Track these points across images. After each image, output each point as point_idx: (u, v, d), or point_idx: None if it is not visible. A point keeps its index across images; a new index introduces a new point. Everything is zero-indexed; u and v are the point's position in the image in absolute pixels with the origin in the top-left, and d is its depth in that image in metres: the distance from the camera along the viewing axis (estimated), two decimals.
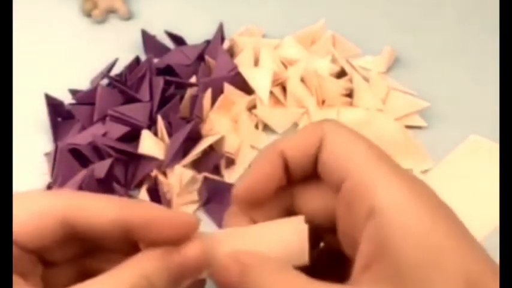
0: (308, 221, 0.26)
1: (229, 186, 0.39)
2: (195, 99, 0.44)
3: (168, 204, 0.40)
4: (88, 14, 0.56)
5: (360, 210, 0.23)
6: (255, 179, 0.27)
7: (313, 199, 0.27)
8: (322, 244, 0.28)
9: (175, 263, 0.24)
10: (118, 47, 0.53)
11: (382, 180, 0.23)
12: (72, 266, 0.26)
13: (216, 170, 0.42)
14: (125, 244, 0.25)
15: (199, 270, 0.25)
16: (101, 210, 0.25)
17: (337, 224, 0.25)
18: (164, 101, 0.44)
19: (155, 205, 0.26)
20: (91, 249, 0.26)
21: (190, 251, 0.25)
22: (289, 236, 0.25)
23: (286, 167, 0.27)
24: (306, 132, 0.27)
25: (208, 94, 0.45)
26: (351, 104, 0.47)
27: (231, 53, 0.50)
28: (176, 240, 0.24)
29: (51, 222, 0.25)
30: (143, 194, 0.40)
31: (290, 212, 0.27)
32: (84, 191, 0.28)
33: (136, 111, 0.43)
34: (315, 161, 0.26)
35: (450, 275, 0.21)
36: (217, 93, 0.46)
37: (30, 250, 0.25)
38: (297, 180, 0.27)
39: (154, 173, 0.41)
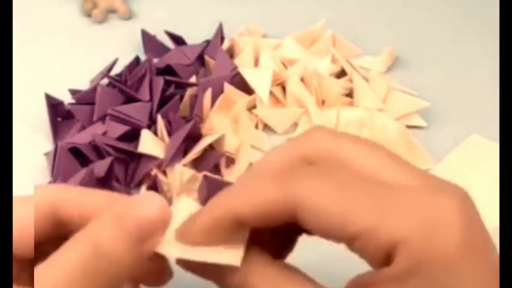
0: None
1: (229, 185, 0.39)
2: (195, 99, 0.44)
3: (168, 203, 0.39)
4: (88, 14, 0.56)
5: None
6: (194, 231, 0.25)
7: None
8: None
9: (132, 226, 0.23)
10: (118, 47, 0.53)
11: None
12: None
13: (216, 169, 0.42)
14: None
15: (160, 231, 0.24)
16: (86, 203, 0.25)
17: None
18: (164, 100, 0.44)
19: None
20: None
21: (146, 209, 0.24)
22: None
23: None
24: (265, 196, 0.23)
25: (208, 94, 0.45)
26: (351, 104, 0.47)
27: (231, 53, 0.50)
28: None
29: (42, 220, 0.25)
30: (143, 193, 0.40)
31: None
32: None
33: (136, 111, 0.43)
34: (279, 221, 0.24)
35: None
36: (217, 93, 0.46)
37: (26, 260, 0.25)
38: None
39: (154, 172, 0.41)
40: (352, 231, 0.22)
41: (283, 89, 0.47)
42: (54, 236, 0.25)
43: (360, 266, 0.24)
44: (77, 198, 0.25)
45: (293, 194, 0.23)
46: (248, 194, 0.24)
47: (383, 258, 0.22)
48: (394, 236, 0.21)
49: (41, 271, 0.23)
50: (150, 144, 0.42)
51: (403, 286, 0.21)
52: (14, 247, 0.24)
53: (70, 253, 0.23)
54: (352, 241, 0.22)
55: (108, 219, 0.24)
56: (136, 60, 0.49)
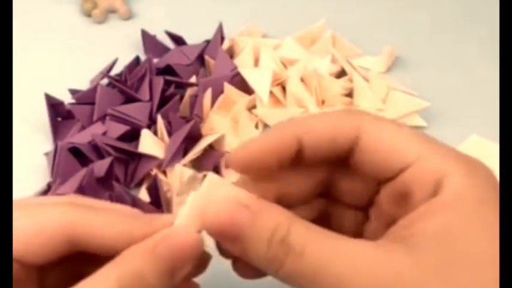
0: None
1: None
2: (195, 99, 0.44)
3: (168, 203, 0.40)
4: (88, 14, 0.56)
5: (423, 193, 0.24)
6: (258, 147, 0.25)
7: (352, 183, 0.27)
8: None
9: (165, 253, 0.24)
10: (118, 47, 0.53)
11: (451, 170, 0.24)
12: (65, 267, 0.26)
13: (216, 169, 0.42)
14: None
15: (191, 257, 0.24)
16: (104, 227, 0.25)
17: (379, 207, 0.26)
18: (164, 100, 0.44)
19: (158, 216, 0.26)
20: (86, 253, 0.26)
21: (178, 238, 0.24)
22: None
23: (298, 151, 0.26)
24: (333, 121, 0.26)
25: (208, 94, 0.45)
26: (351, 104, 0.47)
27: (231, 53, 0.50)
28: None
29: (53, 239, 0.24)
30: (143, 193, 0.40)
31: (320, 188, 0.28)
32: (85, 198, 0.27)
33: (136, 111, 0.43)
34: (340, 151, 0.26)
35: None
36: (217, 93, 0.46)
37: (32, 266, 0.25)
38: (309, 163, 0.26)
39: (154, 172, 0.41)
40: (408, 158, 0.24)
41: (283, 89, 0.47)
42: (70, 253, 0.25)
43: None
44: (92, 218, 0.25)
45: (358, 120, 0.25)
46: (314, 119, 0.26)
47: (430, 189, 0.24)
48: (444, 165, 0.24)
49: None
50: (150, 144, 0.42)
51: (457, 210, 0.23)
52: (21, 253, 0.24)
53: (104, 281, 0.23)
54: (403, 170, 0.24)
55: (141, 251, 0.24)
56: (136, 60, 0.49)
